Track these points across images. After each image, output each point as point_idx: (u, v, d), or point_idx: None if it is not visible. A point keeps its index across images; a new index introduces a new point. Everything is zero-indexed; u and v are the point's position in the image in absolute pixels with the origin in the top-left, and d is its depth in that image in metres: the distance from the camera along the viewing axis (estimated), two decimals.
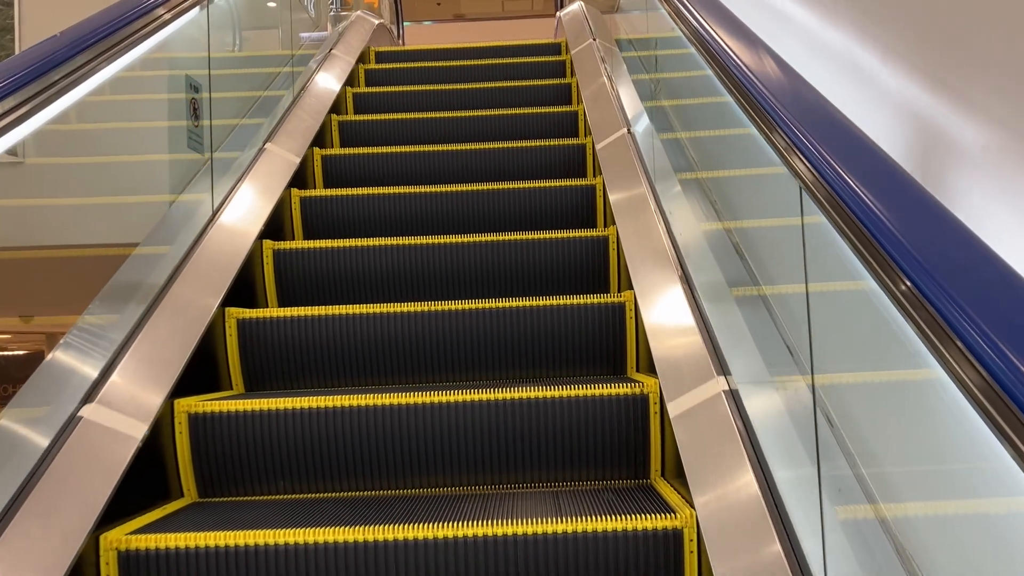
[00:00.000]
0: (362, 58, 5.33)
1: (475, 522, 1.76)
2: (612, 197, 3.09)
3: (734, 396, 1.88)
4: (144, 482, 2.00)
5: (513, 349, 2.54)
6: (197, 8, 2.79)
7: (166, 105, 2.83)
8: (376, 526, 1.75)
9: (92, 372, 2.02)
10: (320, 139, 3.97)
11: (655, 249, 2.62)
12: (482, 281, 2.92)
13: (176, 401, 2.15)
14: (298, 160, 3.56)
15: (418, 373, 2.55)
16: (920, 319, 1.09)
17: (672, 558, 1.74)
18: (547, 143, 3.76)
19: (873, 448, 1.50)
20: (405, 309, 2.54)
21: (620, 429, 2.15)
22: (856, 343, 1.56)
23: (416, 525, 1.75)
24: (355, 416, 2.14)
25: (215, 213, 2.86)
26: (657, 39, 3.29)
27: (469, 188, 3.33)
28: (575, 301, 2.55)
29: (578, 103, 4.31)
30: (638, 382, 2.19)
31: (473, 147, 3.76)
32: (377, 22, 6.22)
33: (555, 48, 5.42)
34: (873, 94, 2.91)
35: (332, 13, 5.66)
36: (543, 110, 4.19)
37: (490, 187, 3.33)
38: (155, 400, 2.08)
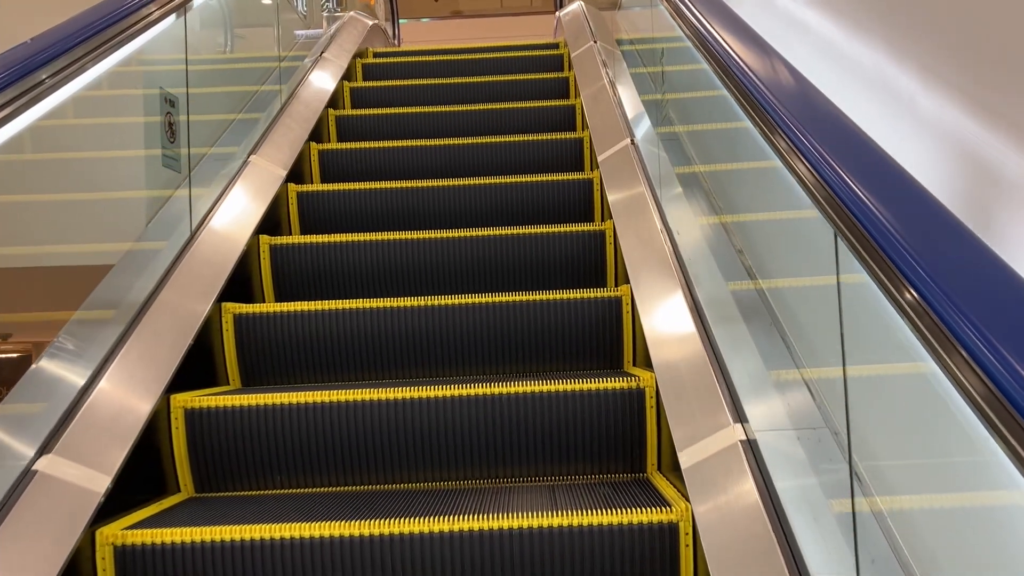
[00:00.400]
0: (359, 54, 5.32)
1: (472, 516, 1.76)
2: (611, 197, 3.07)
3: (750, 444, 1.74)
4: (140, 477, 2.00)
5: (510, 343, 2.53)
6: (174, 15, 2.68)
7: (142, 106, 2.72)
8: (373, 520, 1.75)
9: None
10: (298, 168, 3.64)
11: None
12: (479, 275, 2.92)
13: (172, 396, 2.15)
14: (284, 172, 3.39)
15: (415, 367, 2.55)
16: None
17: (668, 551, 1.74)
18: (547, 137, 3.76)
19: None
20: (402, 304, 2.54)
21: (616, 423, 2.15)
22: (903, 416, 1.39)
23: (413, 519, 1.75)
24: (352, 411, 2.14)
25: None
26: (665, 48, 3.07)
27: (466, 183, 3.33)
28: (572, 295, 2.55)
29: (576, 97, 4.31)
30: (634, 376, 2.19)
31: (470, 141, 3.75)
32: (371, 23, 6.19)
33: (554, 47, 5.42)
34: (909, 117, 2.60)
35: (326, 13, 5.64)
36: (543, 107, 4.16)
37: (488, 181, 3.33)
38: (150, 395, 2.08)
